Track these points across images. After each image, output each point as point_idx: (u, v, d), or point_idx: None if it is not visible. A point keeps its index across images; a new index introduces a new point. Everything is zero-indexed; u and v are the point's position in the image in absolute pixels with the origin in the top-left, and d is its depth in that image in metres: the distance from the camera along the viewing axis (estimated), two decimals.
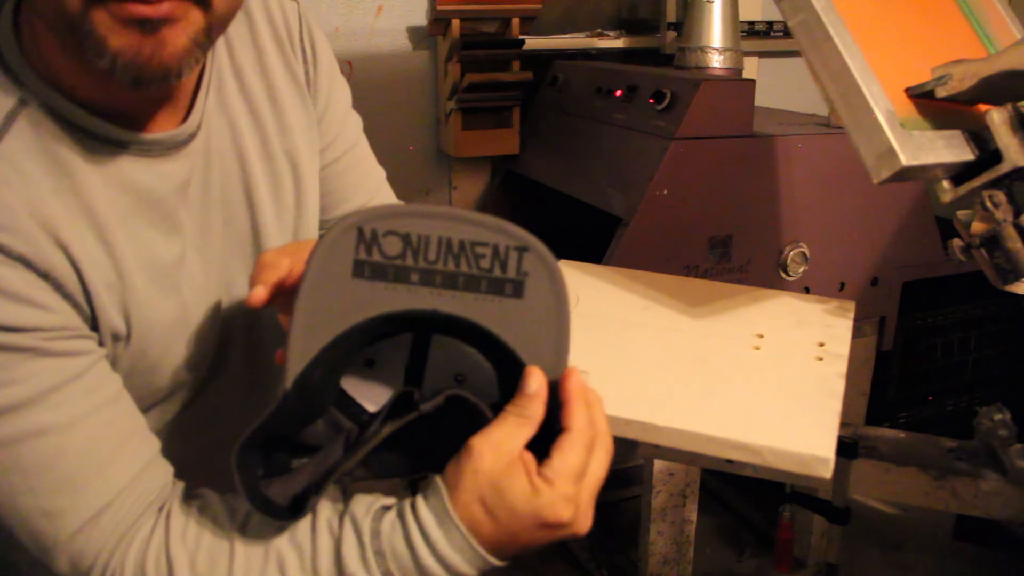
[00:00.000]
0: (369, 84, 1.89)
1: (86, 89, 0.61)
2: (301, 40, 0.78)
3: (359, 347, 0.58)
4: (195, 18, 0.57)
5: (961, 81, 0.76)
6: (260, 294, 0.62)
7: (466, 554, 0.57)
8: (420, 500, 0.58)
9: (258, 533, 0.59)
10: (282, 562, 0.58)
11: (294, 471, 0.58)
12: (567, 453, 0.57)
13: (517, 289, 0.56)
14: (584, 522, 0.58)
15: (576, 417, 0.58)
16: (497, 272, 0.55)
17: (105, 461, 0.60)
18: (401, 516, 0.58)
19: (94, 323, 0.62)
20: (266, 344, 0.78)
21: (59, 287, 0.59)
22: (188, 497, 0.63)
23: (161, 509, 0.61)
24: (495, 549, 0.58)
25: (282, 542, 0.59)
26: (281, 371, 0.57)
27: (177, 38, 0.56)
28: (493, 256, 0.55)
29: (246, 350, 0.77)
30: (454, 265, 0.55)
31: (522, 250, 0.56)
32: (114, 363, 0.64)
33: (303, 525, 0.59)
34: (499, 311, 0.56)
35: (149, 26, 0.54)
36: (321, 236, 0.57)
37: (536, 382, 0.58)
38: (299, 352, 0.56)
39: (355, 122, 0.87)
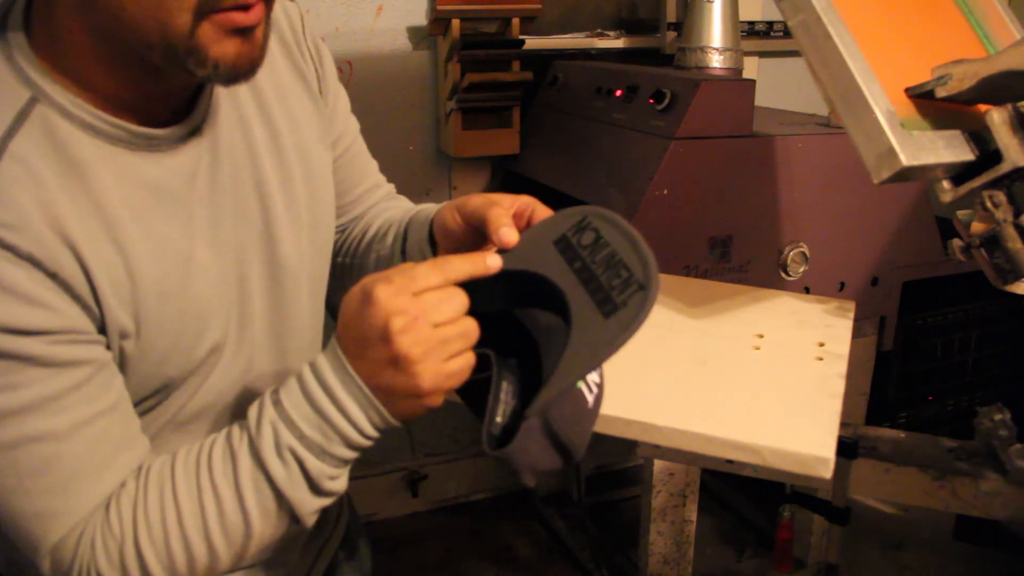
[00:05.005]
0: (369, 84, 1.89)
1: (106, 85, 0.61)
2: (305, 40, 0.80)
3: (517, 291, 0.67)
4: (264, 14, 0.62)
5: (961, 81, 0.76)
6: (513, 236, 0.69)
7: (340, 373, 0.61)
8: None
9: (189, 448, 0.66)
10: (210, 452, 0.64)
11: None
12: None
13: (610, 312, 0.61)
14: (413, 350, 0.59)
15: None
16: (614, 293, 0.61)
17: (99, 466, 0.62)
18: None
19: (102, 323, 0.62)
20: (290, 329, 0.78)
21: (67, 287, 0.59)
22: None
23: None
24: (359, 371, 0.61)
25: (209, 442, 0.65)
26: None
27: (261, 36, 0.62)
28: (625, 280, 0.61)
29: (268, 336, 0.77)
30: (601, 271, 0.62)
31: (639, 287, 0.60)
32: (122, 358, 0.65)
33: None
34: (589, 318, 0.61)
35: (248, 32, 0.60)
36: (565, 209, 0.67)
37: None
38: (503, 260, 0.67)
39: (352, 116, 0.91)
